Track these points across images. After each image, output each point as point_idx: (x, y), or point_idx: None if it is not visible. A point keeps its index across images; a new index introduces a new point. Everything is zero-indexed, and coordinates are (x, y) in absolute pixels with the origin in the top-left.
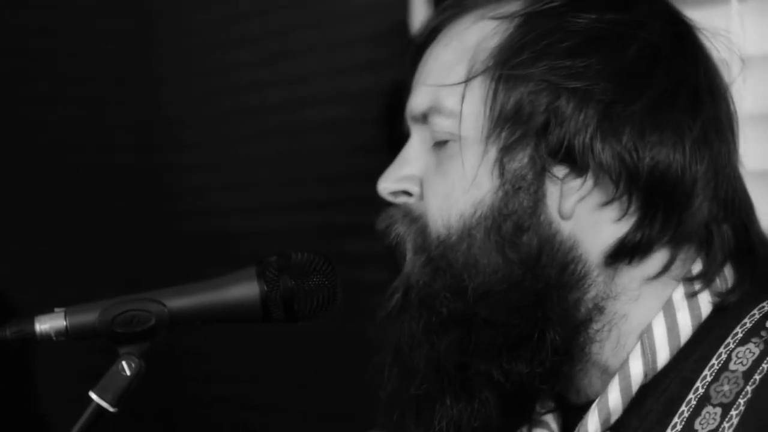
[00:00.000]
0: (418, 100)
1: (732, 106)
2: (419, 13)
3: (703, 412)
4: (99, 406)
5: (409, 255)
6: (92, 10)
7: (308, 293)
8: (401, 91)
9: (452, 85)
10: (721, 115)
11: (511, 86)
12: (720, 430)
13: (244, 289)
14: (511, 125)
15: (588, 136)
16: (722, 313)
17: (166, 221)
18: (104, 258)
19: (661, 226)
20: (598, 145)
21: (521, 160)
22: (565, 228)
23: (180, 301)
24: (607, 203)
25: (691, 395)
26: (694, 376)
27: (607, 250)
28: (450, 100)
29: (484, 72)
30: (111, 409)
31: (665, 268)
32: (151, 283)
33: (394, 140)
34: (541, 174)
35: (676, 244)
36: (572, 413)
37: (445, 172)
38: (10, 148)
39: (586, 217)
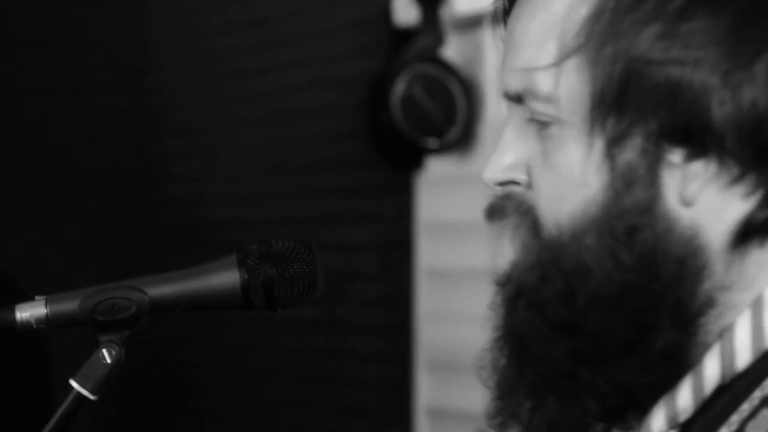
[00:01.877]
0: (511, 82)
1: None
2: (403, 1)
3: (759, 415)
4: (79, 394)
5: (519, 249)
6: None
7: (289, 281)
8: (383, 78)
9: (544, 67)
10: None
11: (611, 65)
12: None
13: (225, 277)
14: (616, 111)
15: (705, 111)
16: None
17: (150, 209)
18: (87, 246)
19: None
20: (718, 121)
21: (632, 150)
22: (686, 216)
23: (161, 289)
24: (735, 182)
25: (757, 392)
26: (766, 374)
27: (734, 231)
28: (546, 83)
29: (578, 49)
30: (91, 397)
31: None
32: (134, 271)
33: (378, 128)
34: (656, 163)
35: None
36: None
37: (552, 165)
38: None
39: (711, 200)
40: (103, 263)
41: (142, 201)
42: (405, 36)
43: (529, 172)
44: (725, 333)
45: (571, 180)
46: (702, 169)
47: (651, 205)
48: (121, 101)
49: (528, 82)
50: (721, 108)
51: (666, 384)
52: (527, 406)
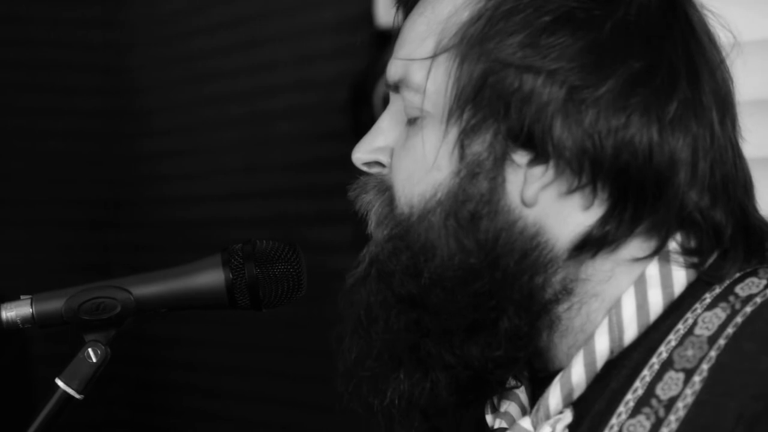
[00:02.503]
0: (392, 70)
1: (726, 86)
2: (384, 1)
3: (666, 377)
4: (65, 393)
5: (372, 225)
6: None
7: (273, 281)
8: (367, 78)
9: (420, 59)
10: (703, 96)
11: (474, 65)
12: (682, 396)
13: (210, 277)
14: (472, 106)
15: (548, 121)
16: (696, 284)
17: (133, 209)
18: (71, 245)
19: (633, 215)
20: (557, 131)
21: (481, 143)
22: (529, 215)
23: (146, 289)
24: (571, 192)
25: (654, 359)
26: (657, 343)
27: (573, 240)
28: (418, 75)
29: (450, 48)
30: (77, 396)
31: (652, 254)
32: (118, 271)
33: (360, 128)
34: (501, 159)
35: (658, 231)
36: (541, 385)
37: (409, 148)
38: None
39: (551, 204)
40: (84, 262)
41: (124, 200)
42: (387, 37)
43: (392, 155)
44: (612, 310)
45: (424, 163)
46: (541, 174)
47: (493, 196)
48: (101, 101)
49: (404, 72)
50: (563, 120)
51: (514, 362)
52: (379, 379)
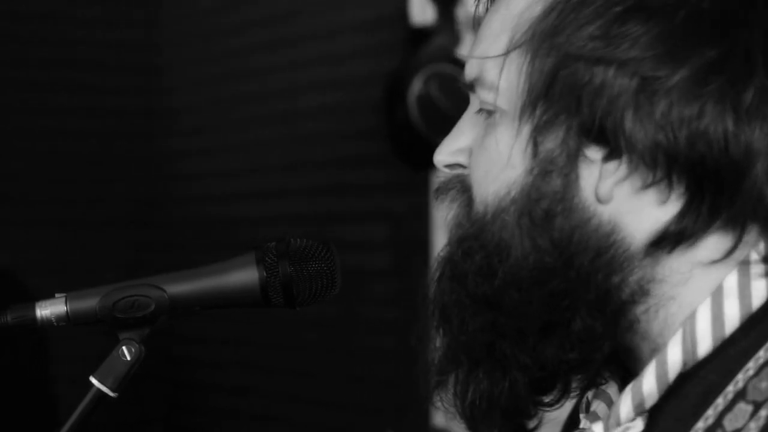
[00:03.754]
0: (468, 69)
1: None
2: (419, 0)
3: (735, 408)
4: (99, 391)
5: (452, 226)
6: None
7: (307, 279)
8: (402, 77)
9: (494, 57)
10: None
11: (545, 59)
12: (746, 429)
13: (244, 275)
14: (543, 102)
15: (619, 114)
16: None
17: (167, 207)
18: (105, 244)
19: (710, 209)
20: (629, 124)
21: (554, 140)
22: (604, 212)
23: (180, 287)
24: (646, 186)
25: (730, 387)
26: (737, 368)
27: (650, 237)
28: (492, 72)
29: (523, 44)
30: (111, 394)
31: (727, 254)
32: (152, 269)
33: (394, 126)
34: (574, 156)
35: (734, 227)
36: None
37: (485, 147)
38: (10, 136)
39: (626, 200)
40: (115, 261)
41: (155, 199)
42: (421, 35)
43: (471, 155)
44: (687, 321)
45: (499, 161)
46: (615, 169)
47: (567, 193)
48: (133, 101)
49: (479, 71)
50: (634, 113)
51: (589, 364)
52: (460, 380)
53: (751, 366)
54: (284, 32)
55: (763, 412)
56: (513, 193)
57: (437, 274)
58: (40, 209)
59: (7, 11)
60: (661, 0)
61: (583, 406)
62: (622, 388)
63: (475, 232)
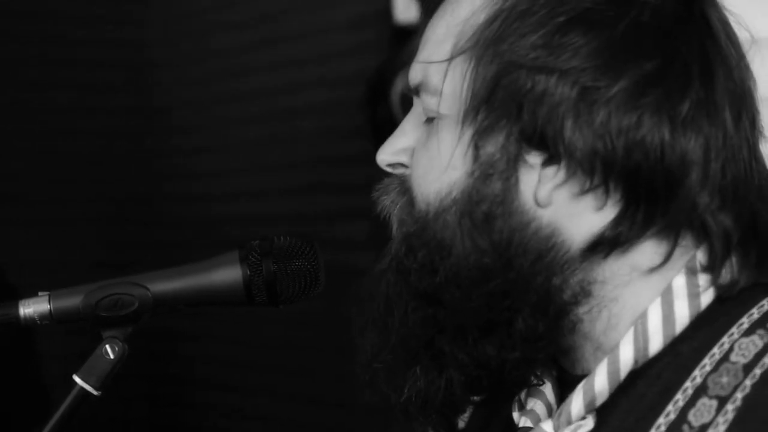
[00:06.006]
0: (412, 74)
1: (744, 86)
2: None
3: (698, 403)
4: (83, 390)
5: (395, 225)
6: None
7: (290, 277)
8: (384, 75)
9: (438, 62)
10: (716, 96)
11: (488, 66)
12: (714, 423)
13: (227, 273)
14: (485, 108)
15: (560, 121)
16: (728, 302)
17: (152, 206)
18: (92, 243)
19: (645, 216)
20: (568, 132)
21: (495, 144)
22: (544, 215)
23: (163, 285)
24: (584, 192)
25: (688, 383)
26: (692, 364)
27: (587, 241)
28: (435, 77)
29: (467, 50)
30: (95, 393)
31: (665, 259)
32: (136, 267)
33: (377, 125)
34: (514, 160)
35: (669, 234)
36: (568, 386)
37: (428, 148)
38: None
39: (564, 205)
40: (101, 259)
41: (142, 197)
42: (405, 33)
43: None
44: (638, 320)
45: (441, 163)
46: (554, 174)
47: (506, 197)
48: (125, 99)
49: (423, 75)
50: (574, 121)
51: (531, 363)
52: (397, 375)
53: (707, 362)
54: (272, 31)
55: (729, 407)
56: (454, 194)
57: (383, 267)
58: (29, 207)
59: (5, 11)
60: (601, 12)
61: (516, 404)
62: (556, 387)
63: (417, 230)
